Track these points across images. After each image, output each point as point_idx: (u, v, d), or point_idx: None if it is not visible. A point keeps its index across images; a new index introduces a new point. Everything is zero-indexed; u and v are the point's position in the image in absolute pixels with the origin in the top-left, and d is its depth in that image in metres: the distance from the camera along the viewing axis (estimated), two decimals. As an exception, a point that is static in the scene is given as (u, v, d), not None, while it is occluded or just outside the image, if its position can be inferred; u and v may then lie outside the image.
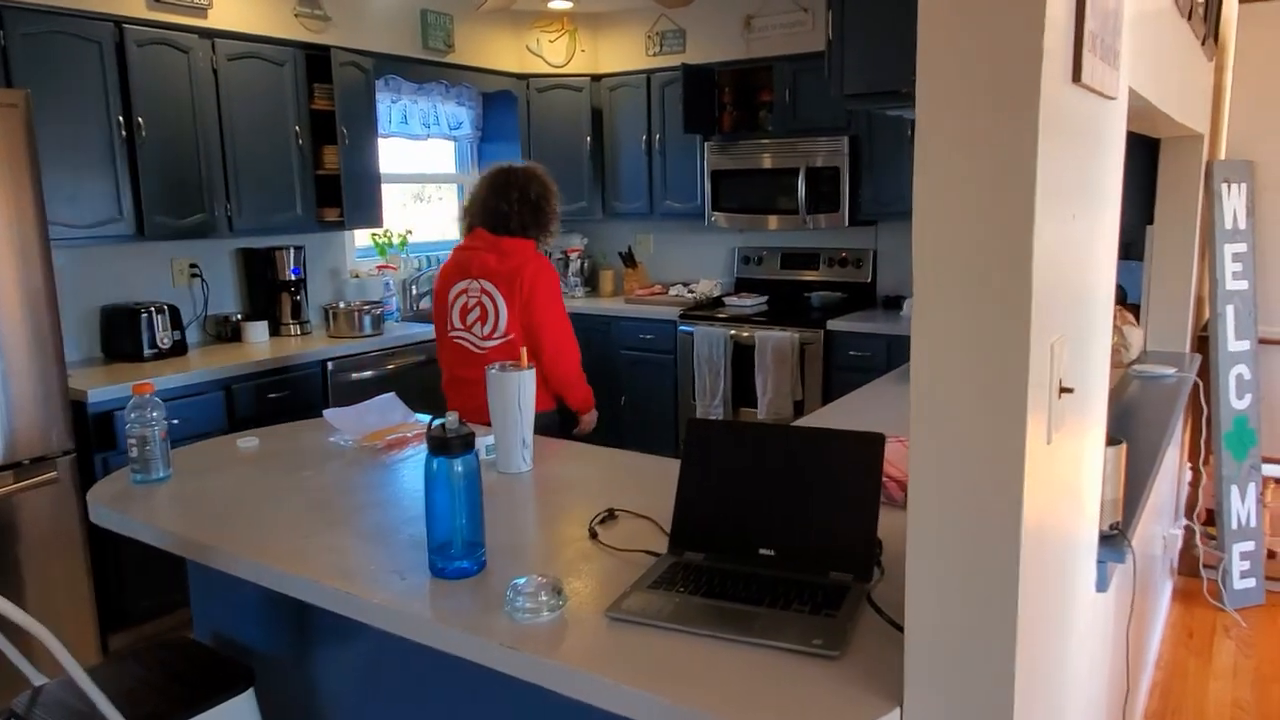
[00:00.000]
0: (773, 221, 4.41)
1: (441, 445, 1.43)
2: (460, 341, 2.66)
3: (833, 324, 4.02)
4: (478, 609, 1.34)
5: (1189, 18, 2.22)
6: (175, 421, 2.99)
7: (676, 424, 4.52)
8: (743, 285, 4.85)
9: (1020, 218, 0.94)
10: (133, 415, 1.89)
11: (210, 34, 3.38)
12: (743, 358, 4.22)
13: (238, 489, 1.87)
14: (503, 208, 2.65)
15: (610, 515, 1.70)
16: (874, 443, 1.45)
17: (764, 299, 4.60)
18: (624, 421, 4.69)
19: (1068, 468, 1.23)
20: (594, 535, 1.60)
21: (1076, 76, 1.07)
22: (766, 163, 4.36)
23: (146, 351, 3.27)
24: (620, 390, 4.71)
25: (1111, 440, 1.54)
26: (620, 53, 4.88)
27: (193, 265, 3.64)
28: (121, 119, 3.12)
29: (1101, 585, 1.55)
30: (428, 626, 1.33)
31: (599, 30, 4.94)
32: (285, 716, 1.86)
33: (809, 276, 4.65)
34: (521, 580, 1.35)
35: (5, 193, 2.55)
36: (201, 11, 3.36)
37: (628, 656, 1.19)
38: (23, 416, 2.62)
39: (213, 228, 3.42)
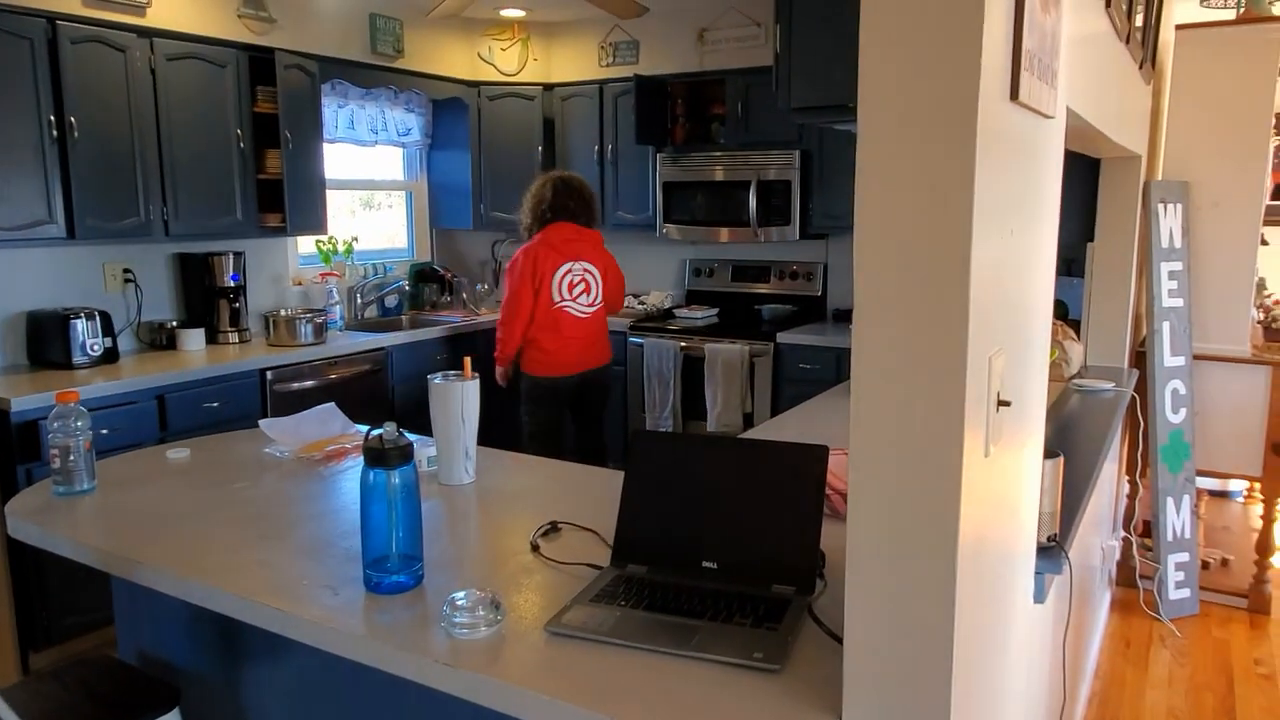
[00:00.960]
0: (724, 234, 4.43)
1: (378, 457, 1.40)
2: (566, 309, 3.53)
3: (783, 337, 4.04)
4: (414, 625, 1.31)
5: (1127, 41, 2.28)
6: (105, 432, 2.88)
7: (626, 436, 4.50)
8: (694, 297, 4.85)
9: (958, 233, 0.94)
10: (55, 425, 1.81)
11: (148, 33, 3.29)
12: (693, 370, 4.22)
13: (166, 502, 1.80)
14: (571, 205, 3.54)
15: (553, 528, 1.67)
16: (817, 455, 1.44)
17: (715, 311, 4.61)
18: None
19: (1006, 480, 1.23)
20: (536, 548, 1.58)
21: (1014, 95, 1.08)
22: (718, 175, 4.38)
23: (76, 359, 3.15)
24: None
25: (1049, 453, 1.56)
26: (573, 62, 4.87)
27: (126, 270, 3.52)
28: (53, 118, 3.01)
29: (1039, 597, 1.57)
30: (361, 643, 1.29)
31: (552, 39, 4.92)
32: (213, 737, 1.80)
33: (760, 289, 4.68)
34: (459, 595, 1.32)
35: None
36: (139, 10, 3.27)
37: (566, 672, 1.17)
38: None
39: (148, 231, 3.32)
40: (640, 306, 4.74)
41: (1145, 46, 2.67)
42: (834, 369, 3.88)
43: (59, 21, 3.02)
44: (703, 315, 4.50)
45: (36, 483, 2.00)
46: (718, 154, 4.39)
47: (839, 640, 1.16)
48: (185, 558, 1.53)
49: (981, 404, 1.04)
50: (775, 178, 4.21)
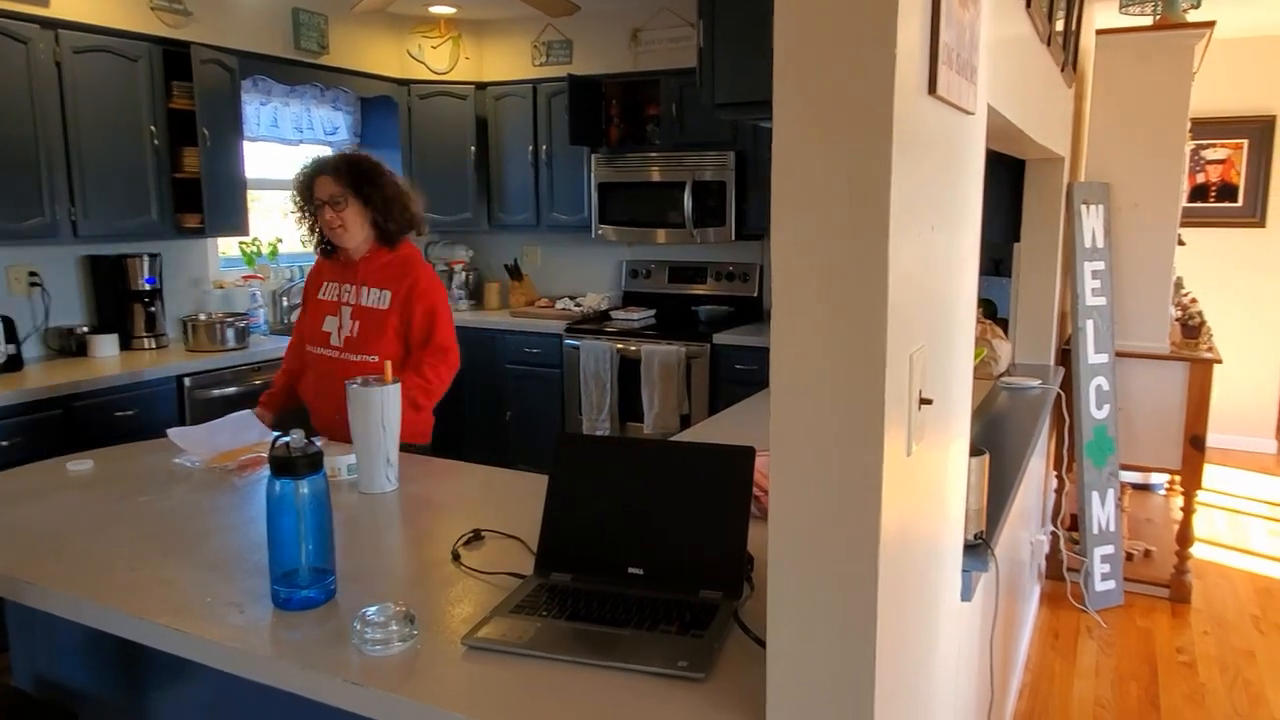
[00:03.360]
0: (660, 235, 4.41)
1: (285, 465, 1.33)
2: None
3: (719, 338, 4.03)
4: (324, 642, 1.25)
5: (1048, 44, 2.31)
6: (5, 444, 2.72)
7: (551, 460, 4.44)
8: (630, 299, 4.82)
9: (875, 229, 0.92)
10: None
11: (53, 24, 3.13)
12: (629, 372, 4.18)
13: (62, 517, 1.70)
14: None
15: (476, 536, 1.62)
16: (744, 456, 1.42)
17: (651, 313, 4.59)
18: (509, 437, 4.59)
19: (930, 478, 1.22)
20: (457, 558, 1.52)
21: (932, 88, 1.07)
22: (654, 176, 4.36)
23: (-24, 366, 2.98)
24: (506, 405, 4.60)
25: (975, 451, 1.55)
26: (506, 61, 4.80)
27: (31, 273, 3.33)
28: (-53, 112, 2.85)
29: (966, 595, 1.57)
30: (266, 663, 1.23)
31: (484, 38, 4.84)
32: (115, 766, 1.70)
33: (697, 290, 4.67)
34: (370, 609, 1.26)
35: None
36: (42, 1, 3.11)
37: (483, 688, 1.13)
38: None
39: (54, 232, 3.15)
40: (576, 309, 4.69)
41: (1067, 50, 2.72)
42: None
43: (-47, 11, 2.86)
44: (639, 317, 4.47)
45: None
46: (653, 155, 4.36)
47: (764, 645, 1.13)
48: (80, 577, 1.44)
49: (902, 402, 1.02)
50: (710, 179, 4.21)
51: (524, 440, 4.55)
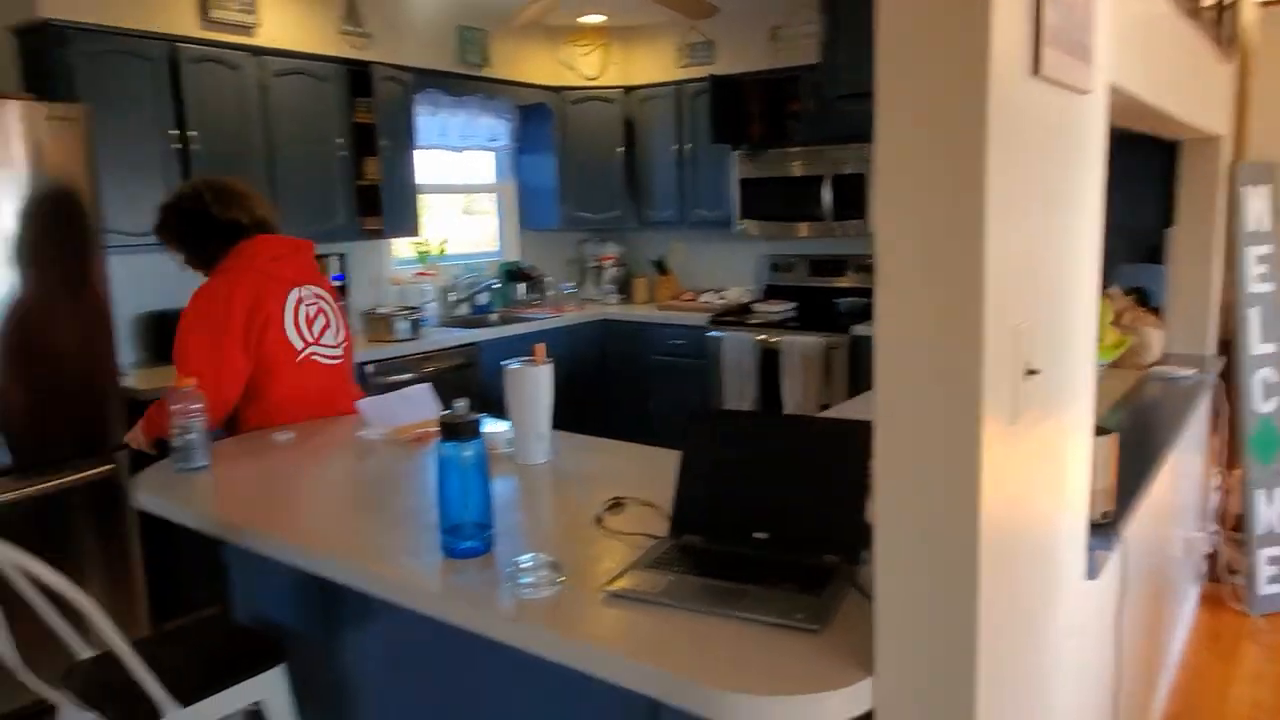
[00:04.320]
0: (801, 229, 4.47)
1: (451, 430, 1.53)
2: (316, 358, 2.44)
3: (858, 328, 4.05)
4: (484, 585, 1.42)
5: (1196, 18, 2.24)
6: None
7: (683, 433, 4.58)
8: (772, 292, 4.90)
9: (973, 207, 0.99)
10: (175, 407, 2.02)
11: (259, 51, 3.56)
12: (770, 363, 4.27)
13: (270, 477, 1.99)
14: (259, 212, 2.48)
15: (617, 503, 1.77)
16: (864, 429, 1.50)
17: (792, 305, 4.65)
18: (654, 425, 4.77)
19: (1042, 450, 1.27)
20: (599, 521, 1.68)
21: (1037, 69, 1.12)
22: (795, 170, 4.42)
23: (196, 354, 3.44)
24: (651, 394, 4.79)
25: (1101, 430, 1.58)
26: (652, 65, 4.98)
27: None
28: (175, 132, 3.31)
29: (1091, 573, 1.59)
30: (436, 600, 1.41)
31: (631, 43, 5.05)
32: (315, 690, 1.97)
33: (837, 283, 4.69)
34: (523, 557, 1.43)
35: (66, 200, 2.73)
36: (250, 30, 3.55)
37: (621, 629, 1.25)
38: (82, 412, 2.79)
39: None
40: (719, 302, 4.82)
41: (1222, 24, 2.60)
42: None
43: (179, 44, 3.32)
44: (780, 310, 4.54)
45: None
46: (793, 150, 4.43)
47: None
48: (285, 525, 1.69)
49: (1005, 372, 1.08)
50: (851, 171, 4.23)
51: (667, 428, 4.72)
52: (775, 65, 4.53)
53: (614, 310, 4.96)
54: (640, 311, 4.90)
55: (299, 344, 2.41)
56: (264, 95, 3.58)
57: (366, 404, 2.36)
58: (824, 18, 1.68)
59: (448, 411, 1.54)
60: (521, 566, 1.42)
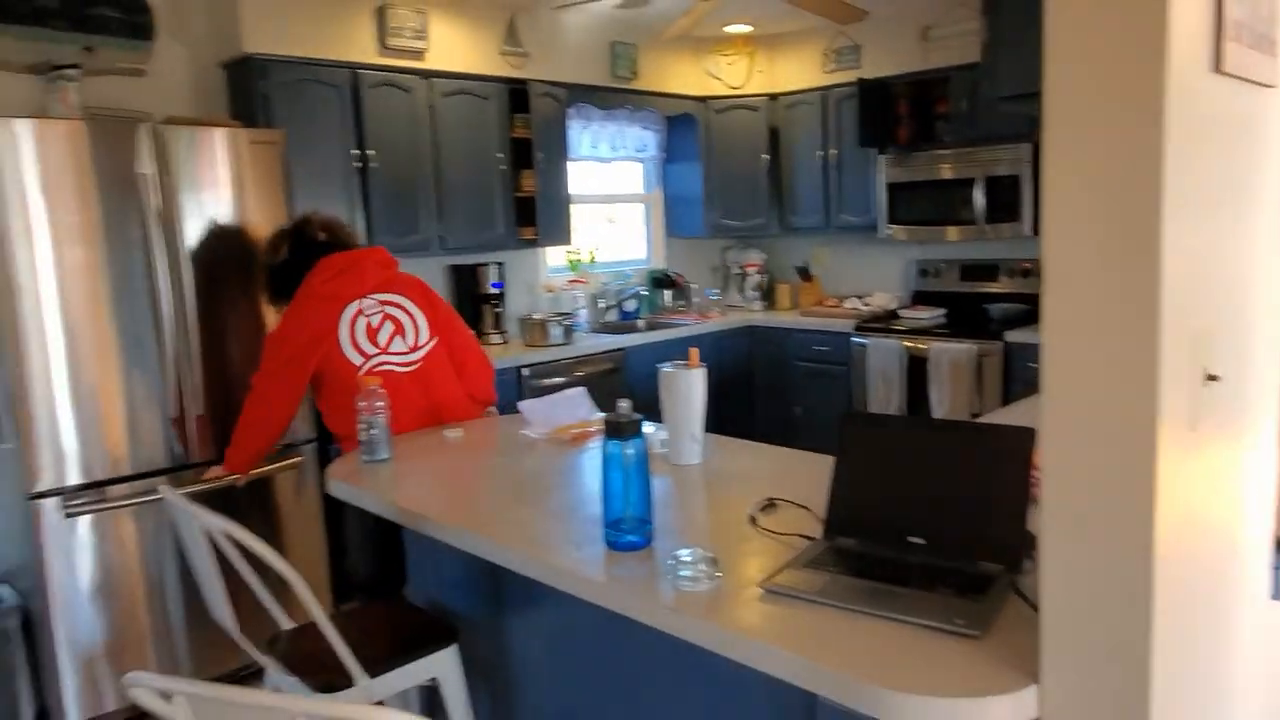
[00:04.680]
0: (951, 233, 4.36)
1: (615, 429, 1.62)
2: (386, 368, 2.49)
3: (1012, 336, 3.92)
4: (645, 577, 1.50)
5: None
6: (392, 417, 3.38)
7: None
8: (920, 298, 4.80)
9: (1149, 207, 0.97)
10: (362, 405, 2.22)
11: (428, 74, 3.82)
12: (917, 370, 4.19)
13: (445, 471, 2.14)
14: (348, 231, 2.70)
15: (770, 504, 1.82)
16: (1025, 437, 1.49)
17: (941, 311, 4.54)
18: (798, 431, 4.76)
19: (1224, 461, 1.22)
20: (753, 520, 1.73)
21: (1218, 66, 1.10)
22: (944, 173, 4.33)
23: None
24: (794, 400, 4.79)
25: (1287, 444, 1.50)
26: (797, 71, 4.99)
27: (410, 280, 4.09)
28: (356, 152, 3.59)
29: (1277, 592, 1.51)
30: (600, 589, 1.50)
31: (776, 50, 5.07)
32: (483, 669, 2.12)
33: (989, 288, 4.55)
34: (683, 551, 1.50)
35: (264, 216, 3.02)
36: (421, 55, 3.81)
37: (778, 624, 1.29)
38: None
39: (427, 246, 3.86)
40: (865, 308, 4.77)
41: None
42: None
43: (360, 70, 3.61)
44: (929, 315, 4.45)
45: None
46: (943, 152, 4.33)
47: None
48: (460, 515, 1.83)
49: (1183, 377, 1.05)
50: (1004, 173, 4.10)
51: (812, 434, 4.71)
52: (925, 66, 4.45)
53: (758, 316, 4.99)
54: (784, 318, 4.91)
55: (358, 359, 2.46)
56: (432, 115, 3.83)
57: (527, 405, 2.50)
58: (985, 20, 1.68)
59: (612, 411, 1.63)
60: (682, 560, 1.48)
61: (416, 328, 2.58)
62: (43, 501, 2.62)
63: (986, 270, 4.56)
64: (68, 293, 2.63)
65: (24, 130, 2.54)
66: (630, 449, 1.62)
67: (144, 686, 1.09)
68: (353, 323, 2.49)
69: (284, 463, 3.07)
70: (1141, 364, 1.01)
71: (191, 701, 1.06)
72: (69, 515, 2.65)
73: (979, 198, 4.18)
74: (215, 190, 2.90)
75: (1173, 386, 1.03)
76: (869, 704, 1.15)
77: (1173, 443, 1.04)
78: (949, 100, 4.34)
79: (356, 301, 2.51)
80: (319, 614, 1.73)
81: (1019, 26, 1.66)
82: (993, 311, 4.36)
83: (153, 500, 2.78)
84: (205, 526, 1.76)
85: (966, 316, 4.45)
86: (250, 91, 3.37)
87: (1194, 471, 1.12)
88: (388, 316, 2.54)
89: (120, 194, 2.71)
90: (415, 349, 2.55)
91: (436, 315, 2.65)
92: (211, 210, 2.90)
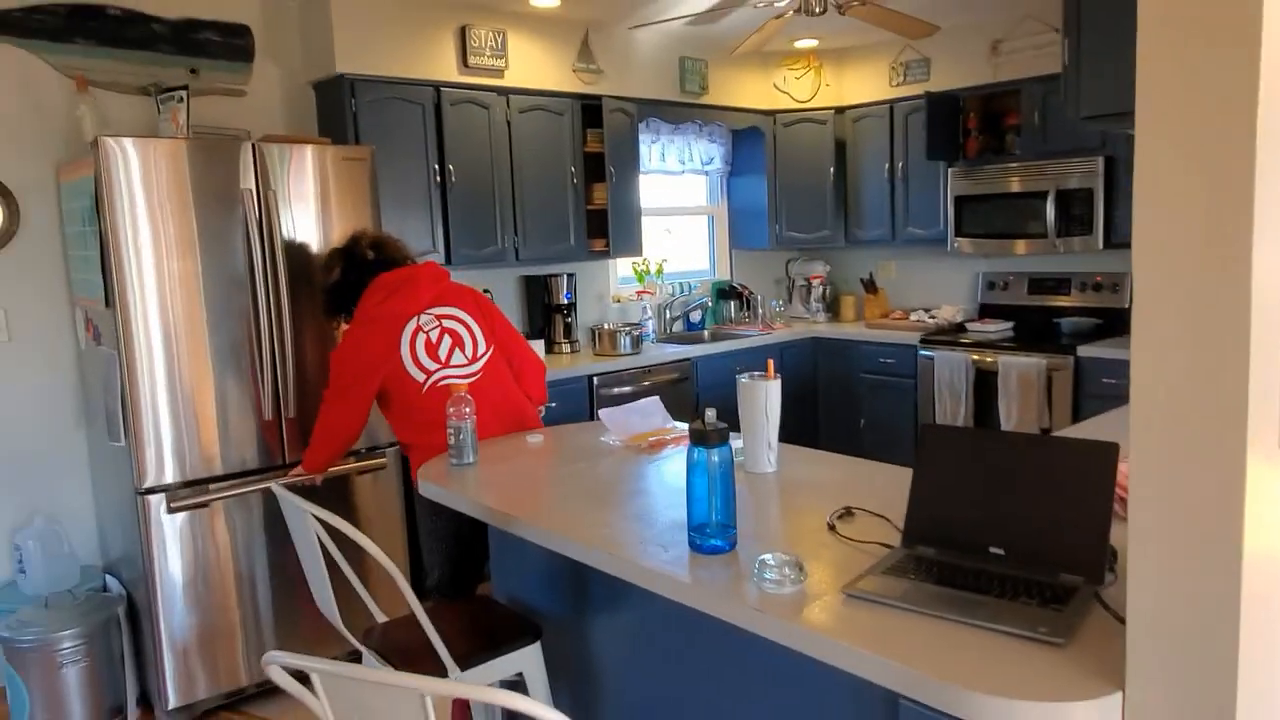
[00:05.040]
0: (1019, 246, 4.34)
1: (701, 437, 1.68)
2: (448, 382, 2.55)
3: (1084, 350, 3.89)
4: (729, 578, 1.55)
5: None
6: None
7: (916, 448, 4.53)
8: (986, 311, 4.78)
9: (1239, 227, 1.00)
10: (451, 410, 2.32)
11: (506, 92, 3.95)
12: (985, 384, 4.18)
13: (528, 474, 2.23)
14: (371, 255, 2.70)
15: (848, 512, 1.86)
16: (1107, 451, 1.52)
17: (1009, 325, 4.52)
18: (863, 442, 4.77)
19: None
20: (832, 528, 1.78)
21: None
22: (1013, 186, 4.31)
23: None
24: (860, 412, 4.80)
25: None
26: (864, 84, 5.02)
27: (485, 289, 4.22)
28: (436, 167, 3.74)
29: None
30: (687, 589, 1.56)
31: (843, 64, 5.10)
32: (566, 665, 2.20)
33: (1059, 302, 4.51)
34: (768, 555, 1.56)
35: (353, 229, 3.15)
36: (499, 73, 3.94)
37: (863, 627, 1.34)
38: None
39: (503, 257, 3.98)
40: (930, 320, 4.77)
41: None
42: (1145, 385, 3.68)
43: (442, 88, 3.75)
44: (997, 329, 4.43)
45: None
46: (1013, 165, 4.32)
47: (1124, 623, 1.24)
48: (546, 516, 1.90)
49: (1271, 395, 1.06)
50: (1076, 186, 4.08)
51: (877, 445, 4.71)
52: (995, 79, 4.44)
53: (822, 328, 5.02)
54: (849, 329, 4.93)
55: (419, 376, 2.55)
56: (509, 130, 3.96)
57: (607, 414, 2.59)
58: (1067, 41, 1.71)
59: (696, 420, 1.70)
60: (767, 564, 1.54)
61: (474, 338, 2.65)
62: (149, 497, 2.79)
63: (1056, 284, 4.53)
64: (173, 301, 2.80)
65: (135, 149, 2.71)
66: (716, 456, 1.68)
67: (279, 664, 1.18)
68: (413, 340, 2.57)
69: (367, 463, 3.20)
70: (1230, 382, 1.04)
71: (324, 679, 1.15)
72: (171, 511, 2.82)
73: (1050, 211, 4.16)
74: (310, 204, 3.06)
75: (1261, 404, 1.05)
76: (956, 706, 1.19)
77: (1261, 460, 1.06)
78: (1019, 113, 4.33)
79: (414, 319, 2.58)
80: (416, 606, 1.82)
81: (1101, 48, 1.69)
82: (1063, 325, 4.33)
83: (246, 495, 2.94)
84: (313, 520, 1.88)
85: (1035, 330, 4.42)
86: (340, 109, 3.54)
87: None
88: (445, 330, 2.61)
89: (224, 208, 2.87)
90: (475, 359, 2.63)
91: (491, 323, 2.72)
92: (306, 223, 3.05)
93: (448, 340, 2.61)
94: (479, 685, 1.10)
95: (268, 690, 3.05)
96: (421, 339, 2.58)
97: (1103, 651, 1.24)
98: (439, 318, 2.62)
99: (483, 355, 2.66)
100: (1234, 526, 1.05)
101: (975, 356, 4.22)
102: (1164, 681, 1.12)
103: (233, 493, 2.93)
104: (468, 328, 2.66)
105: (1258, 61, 0.99)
